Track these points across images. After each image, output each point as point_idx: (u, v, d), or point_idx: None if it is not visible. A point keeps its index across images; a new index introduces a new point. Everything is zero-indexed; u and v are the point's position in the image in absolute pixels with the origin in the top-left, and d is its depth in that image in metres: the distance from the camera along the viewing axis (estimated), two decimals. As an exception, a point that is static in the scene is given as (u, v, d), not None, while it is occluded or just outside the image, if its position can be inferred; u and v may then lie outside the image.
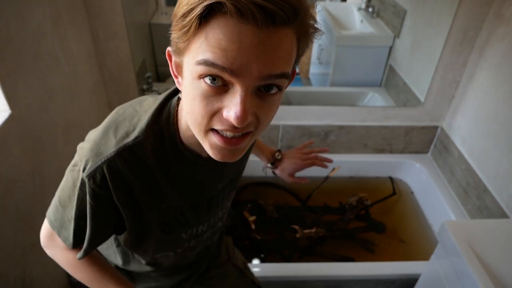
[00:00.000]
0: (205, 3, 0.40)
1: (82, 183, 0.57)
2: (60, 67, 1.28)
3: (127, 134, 0.57)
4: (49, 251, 0.72)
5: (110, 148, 0.55)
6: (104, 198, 0.57)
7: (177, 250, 0.75)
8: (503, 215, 1.42)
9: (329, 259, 1.63)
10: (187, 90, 0.47)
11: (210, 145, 0.49)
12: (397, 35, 2.02)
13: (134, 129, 0.57)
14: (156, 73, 2.15)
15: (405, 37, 1.97)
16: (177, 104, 0.59)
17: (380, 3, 2.20)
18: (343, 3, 2.51)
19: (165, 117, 0.58)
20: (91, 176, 0.55)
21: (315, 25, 0.47)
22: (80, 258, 0.66)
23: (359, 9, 2.33)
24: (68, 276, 1.37)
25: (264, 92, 0.45)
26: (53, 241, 0.69)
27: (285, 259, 1.63)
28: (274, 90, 0.46)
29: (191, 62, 0.44)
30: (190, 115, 0.48)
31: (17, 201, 1.06)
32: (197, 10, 0.41)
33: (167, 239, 0.70)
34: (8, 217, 1.03)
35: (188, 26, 0.42)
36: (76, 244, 0.65)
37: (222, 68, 0.41)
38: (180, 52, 0.47)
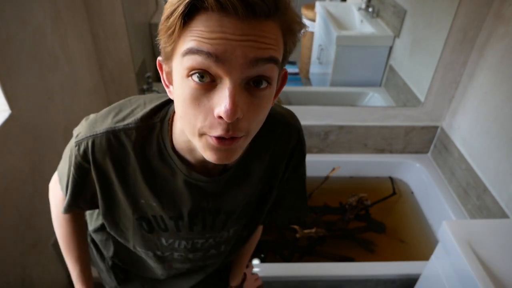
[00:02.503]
0: (187, 1, 0.41)
1: (72, 148, 0.61)
2: (60, 67, 1.28)
3: (123, 119, 0.59)
4: (50, 194, 0.77)
5: (103, 127, 0.59)
6: (84, 169, 0.61)
7: (156, 252, 0.73)
8: (503, 215, 1.42)
9: (329, 259, 1.63)
10: (177, 93, 0.47)
11: (204, 147, 0.48)
12: (397, 35, 2.02)
13: (130, 117, 0.59)
14: (156, 73, 2.15)
15: (405, 37, 1.97)
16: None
17: (380, 3, 2.20)
18: (343, 3, 2.51)
19: (162, 115, 0.59)
20: (78, 144, 0.59)
21: (299, 20, 0.46)
22: (63, 212, 0.71)
23: (359, 9, 2.33)
24: (68, 275, 1.37)
25: (253, 87, 0.45)
26: (56, 186, 0.74)
27: (285, 259, 1.63)
28: (263, 85, 0.45)
29: (179, 61, 0.44)
30: (183, 118, 0.47)
31: (17, 201, 1.06)
32: (180, 9, 0.41)
33: (145, 236, 0.68)
34: (8, 217, 1.03)
35: (173, 27, 0.43)
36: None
37: (207, 54, 0.41)
38: (168, 57, 0.47)
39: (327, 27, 2.23)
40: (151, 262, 0.77)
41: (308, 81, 2.58)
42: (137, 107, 0.61)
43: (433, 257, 1.19)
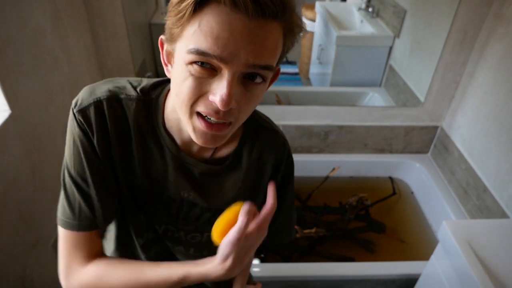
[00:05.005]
0: None
1: (72, 120, 0.58)
2: (60, 67, 1.28)
3: (123, 88, 0.59)
4: (60, 244, 0.62)
5: (103, 92, 0.58)
6: (89, 136, 0.57)
7: (138, 238, 0.69)
8: (503, 215, 1.42)
9: (329, 259, 1.63)
10: (177, 74, 0.49)
11: (193, 129, 0.51)
12: (397, 35, 2.02)
13: (130, 89, 0.60)
14: (156, 73, 2.15)
15: (405, 37, 1.97)
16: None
17: (380, 3, 2.20)
18: (343, 3, 2.51)
19: (157, 93, 0.61)
20: (80, 111, 0.56)
21: (300, 24, 0.50)
22: (75, 229, 0.59)
23: (359, 9, 2.33)
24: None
25: (248, 81, 0.48)
26: (71, 256, 0.60)
27: (285, 259, 1.63)
28: (258, 80, 0.48)
29: (184, 49, 0.46)
30: (178, 97, 0.50)
31: (17, 201, 1.06)
32: None
33: (126, 215, 0.67)
34: (8, 217, 1.03)
35: (183, 12, 0.45)
36: (85, 221, 0.59)
37: (213, 57, 0.44)
38: (173, 38, 0.48)
39: (327, 27, 2.24)
40: (134, 251, 0.73)
41: (308, 81, 2.58)
42: (135, 81, 0.62)
43: (433, 257, 1.19)
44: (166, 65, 0.54)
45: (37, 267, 1.17)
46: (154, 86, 0.61)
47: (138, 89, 0.60)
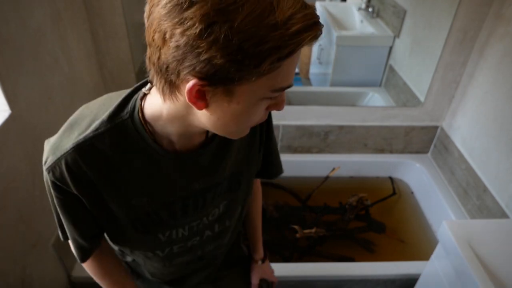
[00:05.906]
0: (305, 42, 0.44)
1: (46, 178, 0.59)
2: (60, 67, 1.28)
3: (88, 127, 0.57)
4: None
5: (69, 142, 0.56)
6: (66, 191, 0.59)
7: (156, 252, 0.72)
8: (503, 215, 1.42)
9: (329, 259, 1.63)
10: (246, 110, 0.50)
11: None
12: (397, 35, 2.02)
13: (95, 123, 0.57)
14: (156, 73, 2.15)
15: (405, 37, 1.97)
16: (142, 98, 0.57)
17: (380, 3, 2.20)
18: (343, 3, 2.51)
19: (129, 110, 0.57)
20: (50, 170, 0.57)
21: None
22: (81, 262, 0.70)
23: (359, 9, 2.33)
24: (68, 276, 1.37)
25: None
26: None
27: (285, 259, 1.63)
28: None
29: (265, 89, 0.48)
30: (239, 124, 0.52)
31: (17, 201, 1.06)
32: (288, 49, 0.43)
33: (141, 238, 0.68)
34: (8, 217, 1.03)
35: (272, 66, 0.44)
36: (66, 237, 0.69)
37: (289, 86, 0.51)
38: (231, 80, 0.44)
39: (327, 27, 2.23)
40: (151, 264, 0.77)
41: (308, 81, 2.58)
42: (98, 111, 0.58)
43: (433, 257, 1.19)
44: (195, 102, 0.47)
45: (37, 267, 1.17)
46: (122, 106, 0.58)
47: (106, 118, 0.56)
